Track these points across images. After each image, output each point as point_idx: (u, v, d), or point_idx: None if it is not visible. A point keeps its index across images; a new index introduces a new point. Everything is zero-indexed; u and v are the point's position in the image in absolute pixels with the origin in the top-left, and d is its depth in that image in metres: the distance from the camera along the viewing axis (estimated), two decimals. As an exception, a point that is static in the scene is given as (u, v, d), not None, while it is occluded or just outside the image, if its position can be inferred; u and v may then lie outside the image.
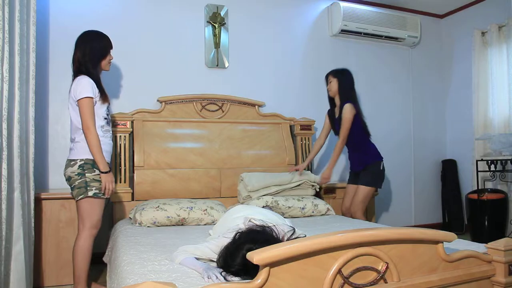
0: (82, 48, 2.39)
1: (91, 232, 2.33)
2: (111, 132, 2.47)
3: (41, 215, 2.66)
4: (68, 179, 2.33)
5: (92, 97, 2.28)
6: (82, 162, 2.29)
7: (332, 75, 3.18)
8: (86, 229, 2.31)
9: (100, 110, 2.36)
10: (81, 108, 2.26)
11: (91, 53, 2.38)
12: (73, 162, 2.31)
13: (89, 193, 2.27)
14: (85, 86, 2.27)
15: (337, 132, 3.22)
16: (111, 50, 2.51)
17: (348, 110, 3.03)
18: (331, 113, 3.32)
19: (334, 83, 3.15)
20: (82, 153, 2.30)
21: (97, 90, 2.34)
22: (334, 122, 3.25)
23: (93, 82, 2.32)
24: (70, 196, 2.67)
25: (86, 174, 2.28)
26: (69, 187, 2.36)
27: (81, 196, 2.28)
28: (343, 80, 3.14)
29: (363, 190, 3.12)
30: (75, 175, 2.29)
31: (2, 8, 2.18)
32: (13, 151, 2.28)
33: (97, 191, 2.30)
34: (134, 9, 3.48)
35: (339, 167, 4.10)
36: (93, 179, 2.29)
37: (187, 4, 3.66)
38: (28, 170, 2.44)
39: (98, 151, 2.26)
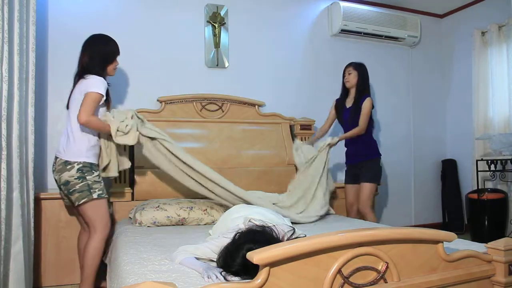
0: (90, 51, 2.37)
1: (104, 234, 2.30)
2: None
3: (40, 215, 2.66)
4: (66, 183, 2.25)
5: (102, 95, 2.28)
6: (81, 165, 2.25)
7: (353, 67, 3.25)
8: (98, 232, 2.27)
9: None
10: (87, 99, 2.21)
11: (99, 57, 2.37)
12: (69, 166, 2.24)
13: (93, 195, 2.24)
14: (99, 83, 2.27)
15: (344, 122, 3.25)
16: (118, 56, 2.50)
17: (370, 103, 3.16)
18: (340, 103, 3.33)
19: (354, 76, 3.22)
20: (78, 155, 2.27)
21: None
22: (344, 111, 3.27)
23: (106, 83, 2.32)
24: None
25: (87, 177, 2.25)
26: (65, 191, 2.29)
27: (84, 200, 2.23)
28: (363, 74, 3.24)
29: (368, 187, 3.15)
30: (75, 179, 2.23)
31: (1, 8, 2.18)
32: (12, 151, 2.27)
33: (100, 192, 2.29)
34: (134, 8, 3.48)
35: (335, 170, 4.07)
36: (94, 181, 2.28)
37: (187, 4, 3.65)
38: (27, 170, 2.43)
39: (104, 127, 2.30)
